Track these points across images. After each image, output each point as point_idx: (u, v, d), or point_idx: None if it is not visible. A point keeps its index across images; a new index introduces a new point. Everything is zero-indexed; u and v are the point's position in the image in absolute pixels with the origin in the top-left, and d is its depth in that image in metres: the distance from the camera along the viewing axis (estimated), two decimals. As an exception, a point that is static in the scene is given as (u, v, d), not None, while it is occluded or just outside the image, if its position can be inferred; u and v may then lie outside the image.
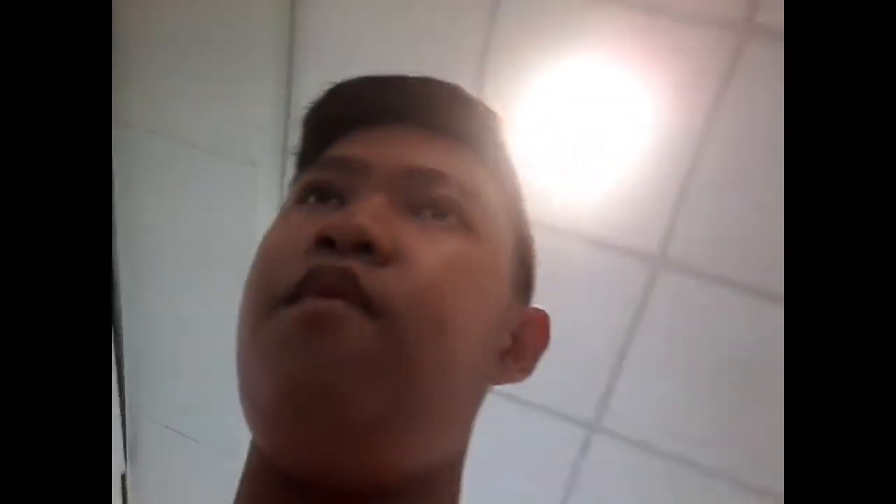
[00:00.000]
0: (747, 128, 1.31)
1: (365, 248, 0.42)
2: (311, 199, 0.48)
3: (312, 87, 0.52)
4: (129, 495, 1.83)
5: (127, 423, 1.76)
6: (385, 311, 0.41)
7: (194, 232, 1.57)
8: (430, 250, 0.44)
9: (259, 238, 0.48)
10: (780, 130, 1.29)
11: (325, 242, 0.42)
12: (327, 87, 0.52)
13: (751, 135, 1.31)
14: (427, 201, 0.46)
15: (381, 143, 0.49)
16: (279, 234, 0.47)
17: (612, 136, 1.26)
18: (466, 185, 0.48)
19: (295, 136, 0.55)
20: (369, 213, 0.43)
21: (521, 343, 0.51)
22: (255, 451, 0.46)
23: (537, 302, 0.55)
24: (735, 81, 1.27)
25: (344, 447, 0.40)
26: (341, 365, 0.39)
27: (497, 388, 0.51)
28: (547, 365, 0.55)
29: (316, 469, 0.41)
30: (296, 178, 0.53)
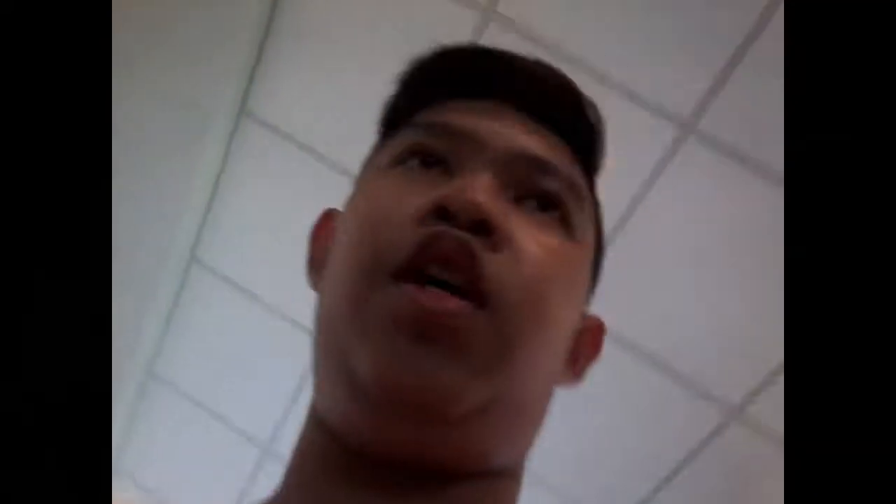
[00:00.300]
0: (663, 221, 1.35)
1: (481, 227, 0.41)
2: (414, 163, 0.46)
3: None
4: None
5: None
6: (495, 301, 0.41)
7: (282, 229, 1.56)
8: (536, 243, 0.44)
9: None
10: (690, 237, 1.33)
11: (441, 214, 0.41)
12: (436, 47, 0.50)
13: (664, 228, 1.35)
14: (535, 191, 0.46)
15: (493, 119, 0.47)
16: (383, 195, 0.46)
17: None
18: (574, 183, 0.47)
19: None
20: (487, 193, 0.42)
21: (578, 348, 0.50)
22: (317, 423, 0.45)
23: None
24: (665, 175, 1.29)
25: (439, 435, 0.41)
26: (449, 362, 0.39)
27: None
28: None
29: (403, 451, 0.41)
30: (387, 135, 0.51)
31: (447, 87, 0.49)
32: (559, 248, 0.45)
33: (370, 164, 0.51)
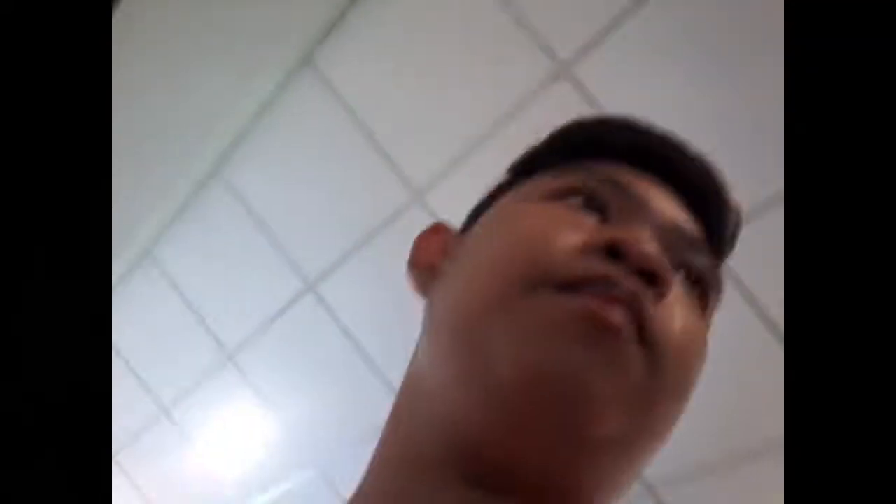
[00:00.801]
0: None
1: (648, 277, 0.41)
2: (576, 201, 0.46)
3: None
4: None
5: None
6: (654, 344, 0.40)
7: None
8: (689, 310, 0.44)
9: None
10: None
11: (613, 252, 0.41)
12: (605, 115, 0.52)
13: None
14: (686, 266, 0.46)
15: (657, 189, 0.48)
16: (542, 216, 0.45)
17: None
18: (717, 271, 0.48)
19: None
20: (655, 246, 0.42)
21: None
22: (407, 434, 0.45)
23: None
24: None
25: (570, 451, 0.40)
26: (608, 374, 0.39)
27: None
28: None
29: (525, 460, 0.40)
30: (532, 173, 0.51)
31: (613, 151, 0.50)
32: (701, 324, 0.46)
33: (513, 192, 0.51)
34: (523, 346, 0.40)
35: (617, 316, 0.39)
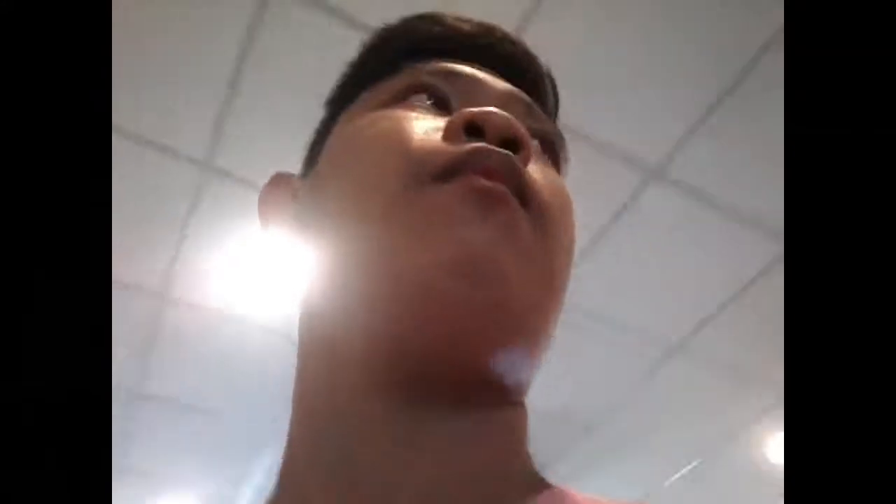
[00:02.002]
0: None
1: (511, 143, 0.42)
2: (420, 99, 0.47)
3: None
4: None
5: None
6: (535, 204, 0.42)
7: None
8: (547, 169, 0.46)
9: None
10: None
11: (473, 131, 0.42)
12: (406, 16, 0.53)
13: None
14: (534, 132, 0.47)
15: (477, 69, 0.49)
16: (396, 117, 0.45)
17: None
18: (559, 131, 0.50)
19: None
20: (506, 114, 0.43)
21: None
22: (323, 364, 0.43)
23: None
24: (622, 220, 1.28)
25: (500, 329, 0.39)
26: (509, 241, 0.39)
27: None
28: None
29: (462, 338, 0.39)
30: (360, 89, 0.51)
31: (434, 46, 0.51)
32: (563, 182, 0.48)
33: (349, 113, 0.50)
34: (427, 240, 0.39)
35: (499, 185, 0.40)
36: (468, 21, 0.53)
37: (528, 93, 0.50)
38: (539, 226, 0.42)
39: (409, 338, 0.39)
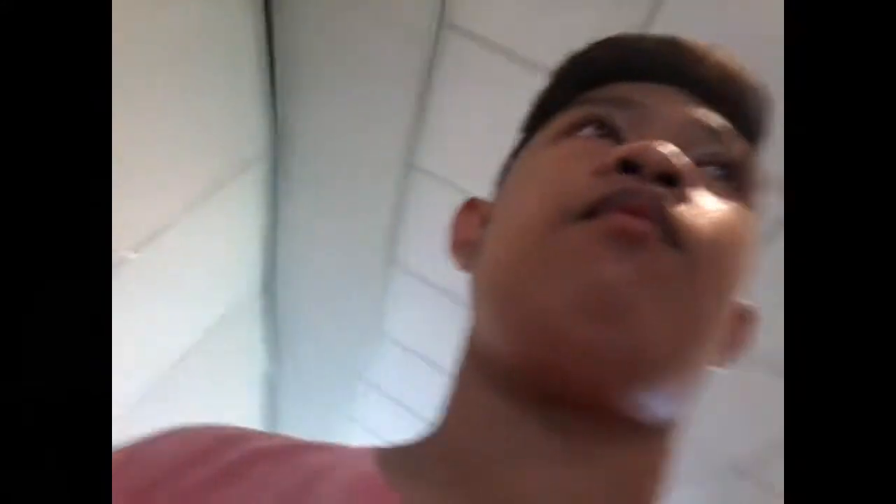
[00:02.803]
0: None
1: (668, 179, 0.40)
2: (588, 131, 0.46)
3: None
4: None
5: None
6: (688, 245, 0.40)
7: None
8: (720, 201, 0.43)
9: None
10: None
11: (628, 167, 0.41)
12: (591, 42, 0.51)
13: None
14: (711, 159, 0.45)
15: (664, 94, 0.46)
16: (559, 156, 0.45)
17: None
18: (747, 154, 0.46)
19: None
20: (669, 147, 0.41)
21: (732, 332, 0.49)
22: (478, 372, 0.45)
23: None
24: None
25: (631, 372, 0.39)
26: (647, 282, 0.38)
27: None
28: None
29: (583, 381, 0.39)
30: (543, 122, 0.51)
31: (611, 72, 0.49)
32: (739, 212, 0.44)
33: (529, 147, 0.50)
34: (560, 279, 0.39)
35: (640, 223, 0.39)
36: (653, 39, 0.49)
37: (726, 112, 0.47)
38: (690, 270, 0.40)
39: (542, 370, 0.40)
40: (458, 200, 0.55)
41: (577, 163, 0.43)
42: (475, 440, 0.43)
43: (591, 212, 0.40)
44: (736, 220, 0.43)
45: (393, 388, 2.72)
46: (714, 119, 0.46)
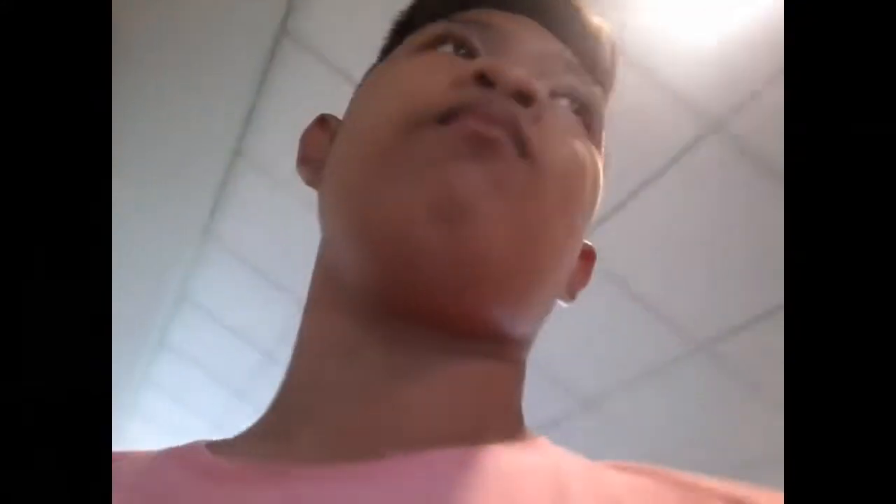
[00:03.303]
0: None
1: (523, 98, 0.41)
2: (446, 48, 0.46)
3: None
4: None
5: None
6: (536, 156, 0.40)
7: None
8: (572, 131, 0.44)
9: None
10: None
11: (484, 81, 0.41)
12: None
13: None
14: (565, 91, 0.46)
15: (525, 24, 0.47)
16: (414, 66, 0.46)
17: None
18: (598, 94, 0.48)
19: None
20: (524, 70, 0.42)
21: (574, 270, 0.50)
22: (328, 291, 0.45)
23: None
24: None
25: (478, 284, 0.39)
26: (497, 188, 0.39)
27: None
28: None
29: (440, 291, 0.40)
30: (401, 39, 0.51)
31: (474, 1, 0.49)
32: (588, 146, 0.45)
33: (388, 58, 0.51)
34: (411, 183, 0.39)
35: (495, 130, 0.39)
36: None
37: (582, 54, 0.48)
38: (539, 183, 0.41)
39: (390, 279, 0.40)
40: (276, 189, 0.56)
41: (434, 73, 0.44)
42: (322, 370, 0.43)
43: (445, 118, 0.40)
44: (584, 151, 0.45)
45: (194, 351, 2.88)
46: (571, 56, 0.48)
